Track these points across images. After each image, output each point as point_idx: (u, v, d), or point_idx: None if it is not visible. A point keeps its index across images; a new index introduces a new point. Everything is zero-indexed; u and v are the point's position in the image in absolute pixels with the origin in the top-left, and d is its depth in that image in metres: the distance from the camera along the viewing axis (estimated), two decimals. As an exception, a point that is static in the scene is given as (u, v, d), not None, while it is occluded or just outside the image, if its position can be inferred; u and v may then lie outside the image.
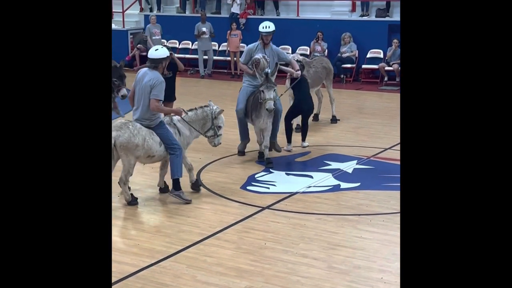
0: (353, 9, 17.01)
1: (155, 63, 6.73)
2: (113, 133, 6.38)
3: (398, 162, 8.27)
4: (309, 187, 7.38)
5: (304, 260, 5.30)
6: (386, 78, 15.40)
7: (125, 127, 6.52)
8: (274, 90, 7.87)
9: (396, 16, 16.41)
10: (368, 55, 16.00)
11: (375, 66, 15.89)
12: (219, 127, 7.24)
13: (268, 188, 7.38)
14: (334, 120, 10.85)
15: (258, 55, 8.14)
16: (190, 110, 7.13)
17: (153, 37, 16.62)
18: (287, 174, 7.93)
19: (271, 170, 7.99)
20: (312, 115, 9.86)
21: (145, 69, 6.84)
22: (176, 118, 7.06)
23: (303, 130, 9.15)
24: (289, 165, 8.39)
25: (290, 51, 16.71)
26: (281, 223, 6.21)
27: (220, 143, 7.39)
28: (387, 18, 16.27)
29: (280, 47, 16.64)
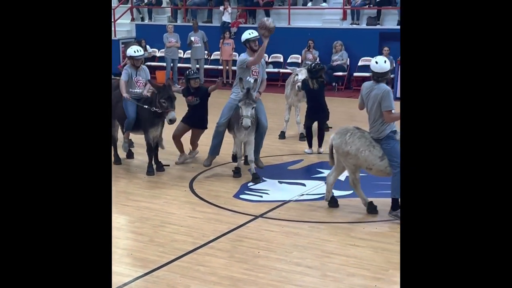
0: (344, 18, 17.09)
1: (382, 76, 6.50)
2: (332, 135, 6.77)
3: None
4: (302, 195, 7.37)
5: (298, 269, 5.29)
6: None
7: (343, 133, 6.64)
8: (253, 107, 7.63)
9: (387, 24, 16.50)
10: (360, 63, 16.05)
11: (367, 74, 15.89)
12: None
13: (261, 196, 7.37)
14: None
15: (250, 80, 7.90)
16: None
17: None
18: (280, 182, 7.92)
19: (264, 178, 7.98)
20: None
21: (371, 82, 6.63)
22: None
23: (319, 136, 9.33)
24: (282, 173, 8.38)
25: (281, 60, 16.80)
26: (275, 231, 6.20)
27: None
28: (378, 26, 16.35)
29: (272, 55, 16.91)
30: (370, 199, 6.76)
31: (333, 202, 6.86)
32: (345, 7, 17.02)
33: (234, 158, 8.47)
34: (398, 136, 6.40)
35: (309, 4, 17.74)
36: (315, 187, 7.63)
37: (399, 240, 5.81)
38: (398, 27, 16.10)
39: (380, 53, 15.46)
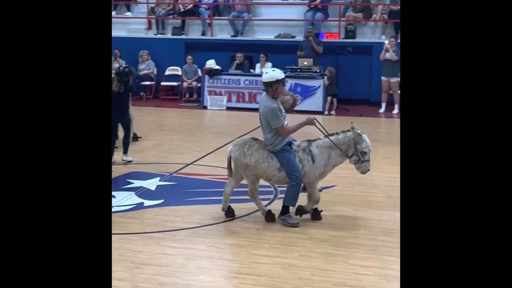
0: (149, 27, 17.11)
1: (265, 86, 6.42)
2: (230, 147, 6.60)
3: (200, 177, 8.46)
4: (112, 207, 7.24)
5: (109, 283, 5.18)
6: (187, 95, 15.80)
7: (241, 145, 6.51)
8: None
9: (191, 34, 16.81)
10: (167, 73, 16.17)
11: (174, 83, 16.11)
12: (364, 152, 6.45)
13: (69, 211, 7.11)
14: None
15: None
16: (331, 134, 6.48)
17: None
18: (88, 196, 7.71)
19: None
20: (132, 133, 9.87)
21: (263, 94, 6.49)
22: (315, 144, 6.43)
23: (124, 143, 9.25)
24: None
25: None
26: (84, 246, 6.01)
27: (369, 170, 6.56)
28: (182, 36, 16.60)
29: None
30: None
31: (230, 212, 6.75)
32: (149, 16, 17.05)
33: None
34: (294, 146, 6.50)
35: (113, 13, 17.49)
36: (126, 198, 7.54)
37: (211, 245, 5.97)
38: (202, 37, 16.53)
39: (185, 62, 15.75)
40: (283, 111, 6.48)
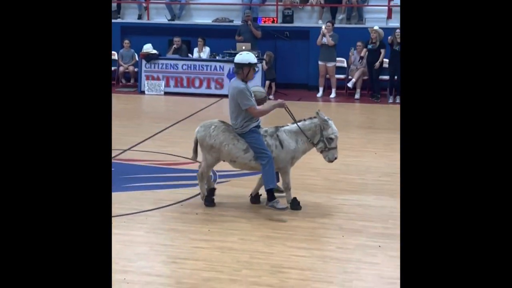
0: (84, 10, 16.68)
1: (236, 68, 6.38)
2: (197, 128, 6.55)
3: (138, 163, 8.36)
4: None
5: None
6: (123, 81, 15.56)
7: (207, 126, 6.47)
8: None
9: (127, 18, 16.51)
10: (102, 57, 15.85)
11: (112, 68, 15.82)
12: (330, 139, 6.35)
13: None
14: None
15: None
16: (299, 121, 6.34)
17: None
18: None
19: None
20: None
21: (234, 77, 6.47)
22: (283, 129, 6.33)
23: None
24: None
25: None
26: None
27: (336, 158, 6.47)
28: (118, 20, 16.29)
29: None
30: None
31: (211, 191, 6.70)
32: (84, -1, 16.63)
33: None
34: (261, 131, 6.40)
35: (46, -5, 16.99)
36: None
37: (149, 231, 5.91)
38: (139, 20, 16.25)
39: (121, 46, 15.48)
40: (253, 94, 6.46)
